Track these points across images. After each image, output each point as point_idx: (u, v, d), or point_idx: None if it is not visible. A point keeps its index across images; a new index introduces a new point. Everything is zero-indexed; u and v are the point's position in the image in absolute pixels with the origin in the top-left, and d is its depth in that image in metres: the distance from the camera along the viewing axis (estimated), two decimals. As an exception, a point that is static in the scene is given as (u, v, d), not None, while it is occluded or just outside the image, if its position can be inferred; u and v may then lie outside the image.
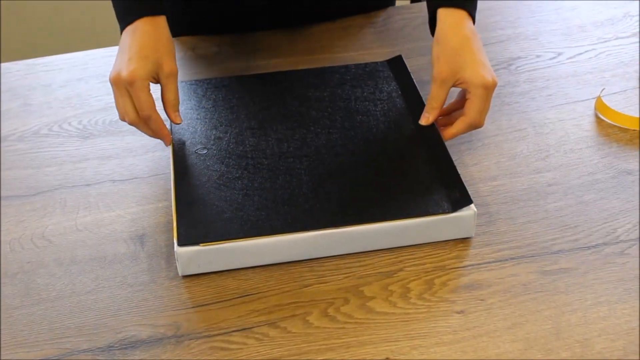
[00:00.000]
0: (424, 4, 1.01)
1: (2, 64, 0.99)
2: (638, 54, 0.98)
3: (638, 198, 0.77)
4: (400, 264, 0.71)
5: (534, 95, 0.92)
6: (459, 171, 0.76)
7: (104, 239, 0.74)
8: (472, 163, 0.82)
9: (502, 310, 0.66)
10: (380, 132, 0.80)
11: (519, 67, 0.96)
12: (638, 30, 1.03)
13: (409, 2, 1.29)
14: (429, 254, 0.72)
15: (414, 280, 0.69)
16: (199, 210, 0.70)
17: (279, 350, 0.63)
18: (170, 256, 0.71)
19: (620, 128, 0.86)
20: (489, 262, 0.71)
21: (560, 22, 1.05)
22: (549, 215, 0.75)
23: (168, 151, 0.83)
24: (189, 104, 0.84)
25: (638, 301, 0.67)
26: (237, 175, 0.74)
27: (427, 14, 0.85)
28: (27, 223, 0.76)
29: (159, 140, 0.85)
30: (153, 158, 0.83)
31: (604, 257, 0.71)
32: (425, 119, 0.80)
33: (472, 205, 0.71)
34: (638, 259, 0.71)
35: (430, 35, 0.83)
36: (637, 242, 0.72)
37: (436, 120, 0.80)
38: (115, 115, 0.89)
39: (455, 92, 0.83)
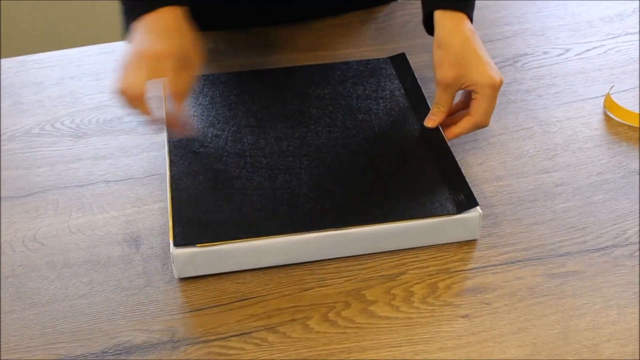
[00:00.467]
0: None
1: (-7, 61, 0.99)
2: (648, 50, 0.98)
3: (648, 199, 0.77)
4: (403, 267, 0.71)
5: (541, 93, 0.91)
6: (464, 171, 0.76)
7: (97, 242, 0.74)
8: (477, 163, 0.82)
9: (508, 314, 0.66)
10: (382, 131, 0.80)
11: (525, 64, 0.96)
12: (648, 25, 1.03)
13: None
14: (433, 256, 0.72)
15: (417, 283, 0.69)
16: (196, 210, 0.70)
17: (278, 355, 0.63)
18: (166, 259, 0.71)
19: (629, 126, 0.86)
20: (494, 265, 0.71)
21: (568, 17, 1.05)
22: (557, 216, 0.75)
23: (164, 151, 0.83)
24: (185, 100, 0.84)
25: (648, 305, 0.67)
26: (235, 174, 0.74)
27: None
28: (18, 225, 0.76)
29: (154, 140, 0.85)
30: (148, 158, 0.83)
31: (613, 260, 0.71)
32: (432, 122, 0.80)
33: (477, 207, 0.71)
34: (648, 261, 0.71)
35: (432, 36, 0.84)
36: (648, 244, 0.72)
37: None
38: (109, 114, 0.89)
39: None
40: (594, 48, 0.99)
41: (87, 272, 0.71)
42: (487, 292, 0.68)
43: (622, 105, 0.87)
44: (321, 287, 0.69)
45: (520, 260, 0.71)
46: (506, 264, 0.71)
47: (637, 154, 0.82)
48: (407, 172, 0.75)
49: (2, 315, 0.67)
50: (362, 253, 0.72)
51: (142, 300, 0.68)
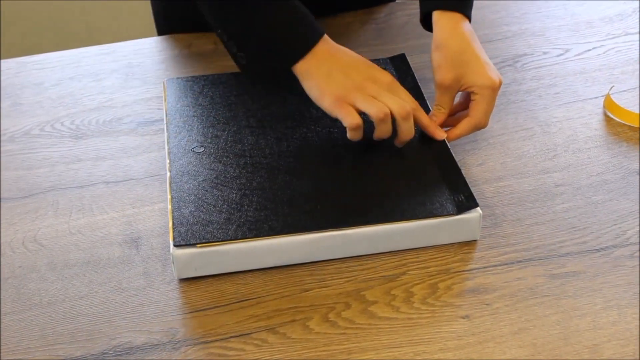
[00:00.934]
0: None
1: (-7, 62, 0.99)
2: (648, 51, 0.98)
3: (648, 199, 0.77)
4: (403, 268, 0.71)
5: (541, 93, 0.92)
6: (464, 171, 0.76)
7: (97, 243, 0.74)
8: (477, 163, 0.82)
9: (508, 315, 0.66)
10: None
11: (525, 64, 0.96)
12: (648, 26, 1.03)
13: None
14: (433, 257, 0.72)
15: (417, 284, 0.69)
16: (196, 211, 0.70)
17: (278, 356, 0.63)
18: (166, 259, 0.71)
19: (630, 127, 0.86)
20: (494, 266, 0.71)
21: (567, 17, 1.05)
22: (557, 216, 0.75)
23: (164, 152, 0.83)
24: (185, 100, 0.84)
25: (649, 305, 0.67)
26: (235, 174, 0.74)
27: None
28: (18, 226, 0.76)
29: (154, 141, 0.85)
30: (148, 159, 0.83)
31: (613, 260, 0.71)
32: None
33: (478, 208, 0.71)
34: (649, 261, 0.71)
35: (430, 32, 0.84)
36: (648, 245, 0.72)
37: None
38: (109, 115, 0.89)
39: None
40: (594, 48, 0.99)
41: (87, 273, 0.71)
42: (488, 293, 0.68)
43: (622, 106, 0.87)
44: (321, 287, 0.69)
45: (520, 261, 0.71)
46: (506, 264, 0.71)
47: (637, 154, 0.82)
48: (408, 172, 0.75)
49: (1, 317, 0.67)
50: (362, 254, 0.72)
51: (142, 301, 0.68)
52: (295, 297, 0.68)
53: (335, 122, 0.81)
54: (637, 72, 0.94)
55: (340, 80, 0.74)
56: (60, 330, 0.66)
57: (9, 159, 0.84)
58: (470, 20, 0.81)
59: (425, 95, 0.85)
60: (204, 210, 0.70)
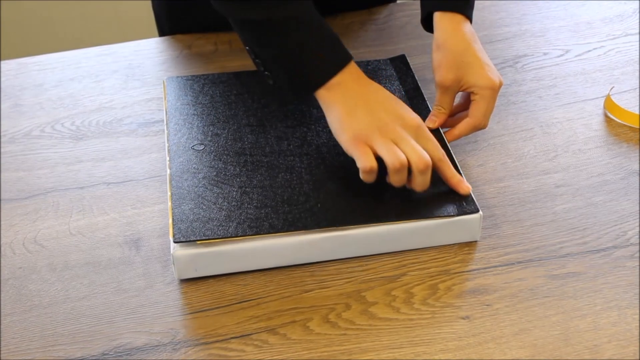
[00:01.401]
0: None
1: (-7, 63, 0.99)
2: (648, 51, 0.98)
3: (649, 200, 0.77)
4: (403, 269, 0.71)
5: (541, 94, 0.92)
6: (464, 172, 0.76)
7: (98, 244, 0.74)
8: (477, 164, 0.82)
9: (508, 315, 0.66)
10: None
11: (525, 65, 0.97)
12: (648, 26, 1.03)
13: (411, -2, 1.29)
14: (433, 257, 0.72)
15: (417, 285, 0.69)
16: (196, 208, 0.70)
17: (278, 357, 0.63)
18: (166, 260, 0.72)
19: (630, 127, 0.86)
20: (495, 266, 0.71)
21: (567, 18, 1.05)
22: (557, 217, 0.75)
23: (164, 153, 0.83)
24: (185, 99, 0.85)
25: (649, 306, 0.67)
26: (236, 172, 0.74)
27: None
28: (18, 227, 0.76)
29: (154, 142, 0.85)
30: (149, 160, 0.83)
31: (613, 261, 0.71)
32: (432, 122, 0.80)
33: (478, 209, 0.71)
34: (649, 262, 0.71)
35: (431, 33, 0.84)
36: (648, 245, 0.72)
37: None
38: (109, 116, 0.89)
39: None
40: (594, 49, 0.99)
41: (88, 274, 0.71)
42: (488, 294, 0.68)
43: (622, 106, 0.87)
44: (321, 288, 0.69)
45: (520, 262, 0.71)
46: (507, 265, 0.71)
47: (638, 155, 0.82)
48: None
49: (2, 318, 0.67)
50: (363, 254, 0.72)
51: (143, 302, 0.68)
52: (295, 298, 0.68)
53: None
54: (637, 73, 0.94)
55: (362, 119, 0.69)
56: (61, 331, 0.66)
57: (10, 160, 0.84)
58: (471, 21, 0.81)
59: (425, 96, 0.85)
60: (204, 207, 0.70)
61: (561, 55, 0.98)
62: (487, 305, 0.67)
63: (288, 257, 0.70)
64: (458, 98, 0.82)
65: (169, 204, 0.71)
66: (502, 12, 1.07)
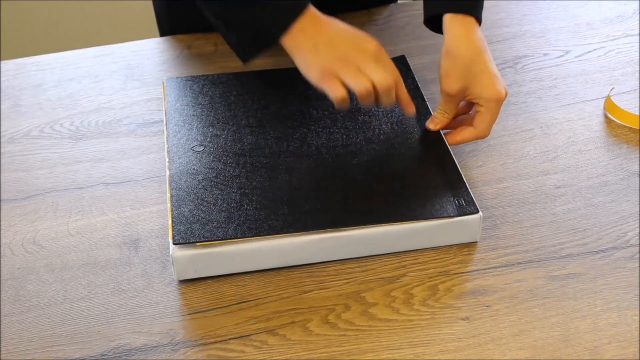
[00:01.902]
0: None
1: (-8, 64, 0.99)
2: (648, 52, 0.98)
3: (649, 201, 0.77)
4: (403, 269, 0.71)
5: (541, 95, 0.92)
6: (464, 173, 0.76)
7: (96, 244, 0.74)
8: (477, 165, 0.82)
9: (508, 316, 0.66)
10: (383, 132, 0.80)
11: (525, 65, 0.97)
12: (648, 27, 1.03)
13: (411, -1, 1.29)
14: (433, 258, 0.72)
15: (417, 285, 0.69)
16: (195, 209, 0.70)
17: (278, 358, 0.63)
18: (165, 261, 0.72)
19: (630, 128, 0.86)
20: (494, 267, 0.71)
21: (568, 19, 1.05)
22: (557, 218, 0.76)
23: (163, 153, 0.83)
24: (184, 100, 0.85)
25: (649, 307, 0.67)
26: (235, 173, 0.75)
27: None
28: (17, 227, 0.76)
29: (154, 142, 0.85)
30: (148, 160, 0.83)
31: (614, 262, 0.71)
32: (434, 124, 0.80)
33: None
34: (649, 263, 0.71)
35: (431, 32, 0.83)
36: (648, 246, 0.72)
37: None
38: (108, 116, 0.89)
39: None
40: (594, 50, 0.99)
41: (86, 275, 0.71)
42: (488, 295, 0.68)
43: (622, 107, 0.87)
44: (321, 289, 0.69)
45: (520, 263, 0.71)
46: (506, 266, 0.71)
47: (638, 155, 0.83)
48: (408, 173, 0.75)
49: (1, 318, 0.67)
50: (362, 255, 0.72)
51: (142, 303, 0.68)
52: (294, 299, 0.68)
53: (336, 123, 0.81)
54: (638, 74, 0.94)
55: (325, 53, 0.74)
56: (59, 331, 0.66)
57: (9, 160, 0.84)
58: (480, 22, 0.79)
59: (425, 97, 0.85)
60: (204, 209, 0.70)
61: (561, 56, 0.98)
62: (487, 306, 0.67)
63: (287, 258, 0.70)
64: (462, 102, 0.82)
65: (168, 205, 0.71)
66: (502, 12, 1.07)
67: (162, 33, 1.08)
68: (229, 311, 0.67)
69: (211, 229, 0.68)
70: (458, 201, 0.72)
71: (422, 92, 0.86)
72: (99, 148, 0.85)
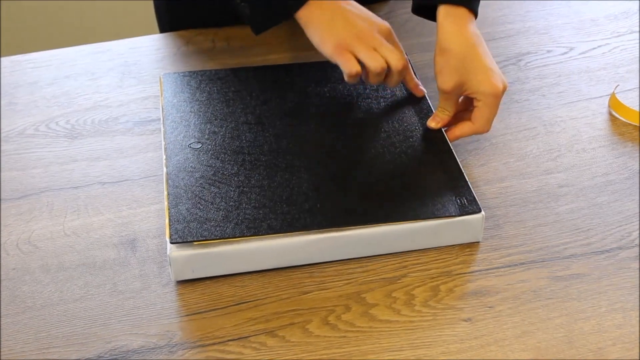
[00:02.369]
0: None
1: (-14, 61, 0.99)
2: (653, 49, 0.98)
3: (654, 200, 0.77)
4: (404, 270, 0.71)
5: (545, 92, 0.92)
6: (466, 172, 0.76)
7: (93, 244, 0.74)
8: (479, 164, 0.82)
9: (511, 317, 0.66)
10: (383, 131, 0.80)
11: (528, 62, 0.97)
12: (653, 23, 1.03)
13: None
14: (435, 259, 0.72)
15: (418, 286, 0.69)
16: (193, 208, 0.70)
17: (277, 360, 0.63)
18: (163, 261, 0.71)
19: (635, 126, 0.86)
20: (497, 268, 0.71)
21: (572, 15, 1.05)
22: (561, 218, 0.75)
23: (160, 152, 0.83)
24: (182, 96, 0.85)
25: (654, 308, 0.67)
26: (234, 171, 0.74)
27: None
28: (12, 227, 0.76)
29: (151, 141, 0.85)
30: (145, 159, 0.83)
31: (618, 262, 0.71)
32: (435, 123, 0.80)
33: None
34: (654, 263, 0.71)
35: (432, 29, 0.83)
36: (653, 246, 0.72)
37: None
38: (105, 114, 0.89)
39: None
40: (599, 47, 0.99)
41: (82, 276, 0.71)
42: (490, 295, 0.68)
43: (627, 105, 0.87)
44: (321, 290, 0.69)
45: (523, 263, 0.71)
46: (509, 266, 0.71)
47: (643, 154, 0.83)
48: (409, 172, 0.75)
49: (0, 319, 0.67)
50: (363, 255, 0.72)
51: (139, 304, 0.68)
52: (294, 300, 0.68)
53: (336, 121, 0.81)
54: (643, 71, 0.94)
55: (341, 28, 0.77)
56: (55, 333, 0.66)
57: (3, 159, 0.84)
58: (476, 16, 0.79)
59: (427, 95, 0.85)
60: (201, 207, 0.70)
61: (565, 53, 0.98)
62: (490, 307, 0.67)
63: (287, 258, 0.70)
64: (461, 97, 0.82)
65: (166, 203, 0.71)
66: (505, 8, 1.07)
67: (162, 30, 1.08)
68: (227, 312, 0.67)
69: (209, 227, 0.68)
70: (460, 200, 0.72)
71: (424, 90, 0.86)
72: (95, 147, 0.85)
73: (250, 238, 0.68)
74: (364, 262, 0.71)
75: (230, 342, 0.65)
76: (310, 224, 0.69)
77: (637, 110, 0.87)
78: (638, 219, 0.75)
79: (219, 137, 0.79)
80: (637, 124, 0.86)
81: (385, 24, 0.79)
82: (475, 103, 0.78)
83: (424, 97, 0.84)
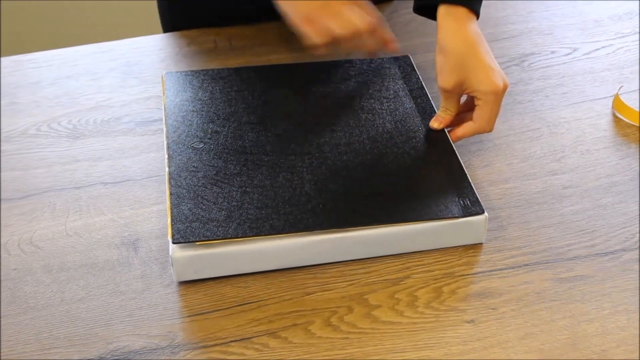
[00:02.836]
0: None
1: (-12, 61, 0.99)
2: (658, 50, 0.98)
3: (658, 201, 0.77)
4: (407, 271, 0.71)
5: (548, 93, 0.92)
6: (469, 173, 0.76)
7: (95, 245, 0.74)
8: (482, 165, 0.82)
9: (514, 319, 0.66)
10: (386, 131, 0.80)
11: (532, 63, 0.97)
12: (658, 24, 1.03)
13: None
14: (438, 260, 0.72)
15: (421, 287, 0.69)
16: (195, 208, 0.70)
17: (279, 361, 0.63)
18: (165, 262, 0.72)
19: (639, 128, 0.86)
20: (500, 269, 0.71)
21: (575, 16, 1.05)
22: (565, 219, 0.75)
23: (162, 152, 0.83)
24: (184, 95, 0.85)
25: (658, 310, 0.67)
26: (236, 171, 0.74)
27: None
28: (14, 228, 0.76)
29: (153, 141, 0.85)
30: (147, 159, 0.83)
31: (622, 264, 0.71)
32: (438, 123, 0.80)
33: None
34: (658, 265, 0.71)
35: (435, 29, 0.83)
36: (658, 248, 0.72)
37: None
38: (107, 114, 0.89)
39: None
40: (603, 47, 0.99)
41: (84, 276, 0.71)
42: (493, 297, 0.68)
43: (631, 106, 0.87)
44: (323, 291, 0.69)
45: (527, 264, 0.71)
46: (513, 268, 0.71)
47: (647, 155, 0.83)
48: (412, 173, 0.75)
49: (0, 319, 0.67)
50: (365, 257, 0.72)
51: (141, 305, 0.68)
52: (296, 301, 0.68)
53: (338, 121, 0.81)
54: (647, 72, 0.94)
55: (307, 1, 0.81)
56: (57, 334, 0.66)
57: (5, 159, 0.84)
58: (478, 16, 0.79)
59: (430, 95, 0.85)
60: (204, 207, 0.70)
61: (569, 53, 0.98)
62: (493, 308, 0.67)
63: (289, 259, 0.70)
64: (464, 97, 0.82)
65: (168, 203, 0.71)
66: (509, 9, 1.07)
67: (166, 29, 1.08)
68: (229, 313, 0.67)
69: (211, 228, 0.68)
70: (463, 201, 0.72)
71: (427, 90, 0.86)
72: (97, 147, 0.85)
73: (252, 238, 0.68)
74: (367, 263, 0.71)
75: (232, 343, 0.65)
76: (313, 224, 0.69)
77: (642, 111, 0.87)
78: (642, 220, 0.75)
79: (222, 137, 0.79)
80: (642, 125, 0.86)
81: None
82: (476, 102, 0.78)
83: (427, 99, 0.84)
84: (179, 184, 0.73)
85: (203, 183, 0.73)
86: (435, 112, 0.82)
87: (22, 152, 0.85)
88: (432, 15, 0.81)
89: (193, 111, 0.82)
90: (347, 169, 0.75)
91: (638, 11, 1.06)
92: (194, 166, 0.75)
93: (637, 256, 0.72)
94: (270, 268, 0.70)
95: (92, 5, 2.07)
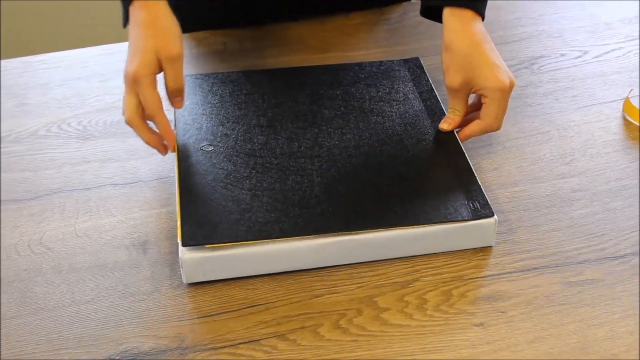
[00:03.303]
0: None
1: (-2, 62, 1.00)
2: (668, 53, 0.98)
3: (668, 205, 0.77)
4: (416, 274, 0.71)
5: (558, 96, 0.92)
6: (479, 176, 0.76)
7: (104, 246, 0.74)
8: (492, 167, 0.82)
9: (523, 323, 0.66)
10: (396, 134, 0.80)
11: (542, 66, 0.97)
12: (668, 27, 1.03)
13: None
14: (447, 263, 0.72)
15: (430, 290, 0.69)
16: (205, 210, 0.70)
17: (288, 363, 0.64)
18: (174, 263, 0.72)
19: (649, 131, 0.86)
20: (510, 272, 0.71)
21: (586, 19, 1.05)
22: (574, 223, 0.75)
23: (172, 154, 0.83)
24: (194, 98, 0.85)
25: (668, 314, 0.67)
26: (245, 174, 0.75)
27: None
28: (24, 228, 0.76)
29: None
30: (156, 161, 0.83)
31: (632, 268, 0.71)
32: (447, 124, 0.80)
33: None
34: (668, 269, 0.71)
35: (432, 20, 0.84)
36: (668, 252, 0.72)
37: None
38: (116, 115, 0.90)
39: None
40: (613, 50, 0.99)
41: (94, 277, 0.71)
42: (503, 300, 0.68)
43: (641, 109, 0.87)
44: (332, 293, 0.69)
45: (536, 268, 0.71)
46: (522, 271, 0.71)
47: (657, 159, 0.82)
48: (421, 176, 0.75)
49: (7, 321, 0.68)
50: (374, 259, 0.72)
51: (150, 306, 0.68)
52: (305, 303, 0.68)
53: (348, 124, 0.81)
54: (657, 75, 0.94)
55: (130, 56, 0.75)
56: (66, 334, 0.66)
57: (15, 160, 0.84)
58: (483, 18, 0.80)
59: (439, 98, 0.85)
60: (213, 210, 0.71)
61: (579, 56, 0.98)
62: (502, 312, 0.67)
63: (298, 262, 0.70)
64: (472, 97, 0.82)
65: (177, 206, 0.71)
66: (519, 12, 1.07)
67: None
68: (238, 315, 0.68)
69: (221, 230, 0.69)
70: (472, 204, 0.72)
71: (437, 93, 0.86)
72: (106, 148, 0.85)
73: (261, 241, 0.68)
74: (376, 266, 0.72)
75: (241, 345, 0.65)
76: (322, 227, 0.69)
77: (652, 114, 0.87)
78: (652, 224, 0.75)
79: (231, 140, 0.79)
80: (652, 129, 0.86)
81: (173, 50, 0.75)
82: (483, 100, 0.78)
83: (437, 101, 0.85)
84: (189, 186, 0.73)
85: (212, 186, 0.73)
86: (444, 114, 0.82)
87: (32, 153, 0.85)
88: (438, 18, 0.82)
89: (203, 114, 0.83)
90: (356, 172, 0.75)
91: (648, 14, 1.06)
92: (203, 169, 0.75)
93: (647, 260, 0.72)
94: (279, 270, 0.71)
95: (102, 6, 2.07)
